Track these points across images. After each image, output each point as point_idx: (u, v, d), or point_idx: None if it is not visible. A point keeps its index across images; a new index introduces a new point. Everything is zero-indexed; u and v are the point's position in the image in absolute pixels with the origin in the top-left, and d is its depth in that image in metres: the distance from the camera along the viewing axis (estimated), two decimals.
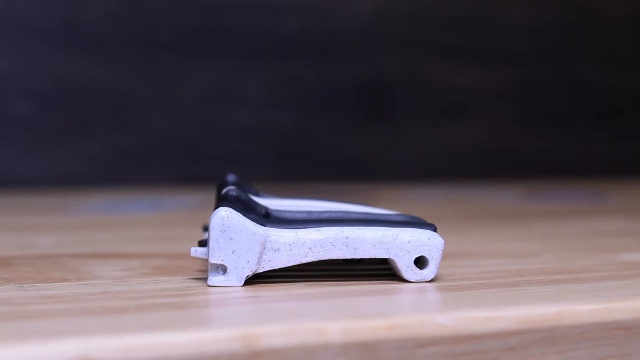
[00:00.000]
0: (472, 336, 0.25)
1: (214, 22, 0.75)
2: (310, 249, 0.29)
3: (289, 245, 0.29)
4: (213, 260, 0.29)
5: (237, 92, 0.76)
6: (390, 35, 0.82)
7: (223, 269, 0.29)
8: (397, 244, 0.30)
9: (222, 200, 0.31)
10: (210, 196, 0.66)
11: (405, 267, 0.30)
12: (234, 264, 0.29)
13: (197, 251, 0.30)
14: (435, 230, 0.31)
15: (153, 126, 0.73)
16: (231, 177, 0.37)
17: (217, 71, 0.75)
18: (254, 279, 0.31)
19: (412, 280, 0.30)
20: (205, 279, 0.31)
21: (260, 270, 0.29)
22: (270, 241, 0.29)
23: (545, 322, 0.26)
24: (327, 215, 0.31)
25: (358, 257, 0.30)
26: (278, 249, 0.29)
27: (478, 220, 0.51)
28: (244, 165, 0.77)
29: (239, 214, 0.29)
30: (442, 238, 0.36)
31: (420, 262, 0.31)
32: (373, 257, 0.30)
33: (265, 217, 0.31)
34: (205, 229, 0.36)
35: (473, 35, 0.85)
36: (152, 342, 0.22)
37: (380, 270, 0.33)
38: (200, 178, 0.75)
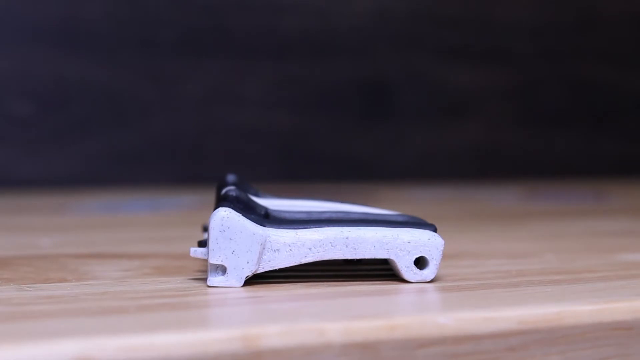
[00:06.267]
0: (472, 337, 0.25)
1: (214, 22, 0.75)
2: (310, 249, 0.29)
3: (289, 245, 0.29)
4: (213, 260, 0.29)
5: (237, 92, 0.76)
6: (390, 35, 0.82)
7: (223, 270, 0.29)
8: (397, 244, 0.30)
9: (222, 201, 0.30)
10: (210, 196, 0.66)
11: (406, 267, 0.30)
12: (234, 264, 0.29)
13: (197, 251, 0.30)
14: (435, 230, 0.31)
15: (153, 126, 0.73)
16: (231, 177, 0.37)
17: (217, 71, 0.75)
18: (254, 279, 0.31)
19: (412, 281, 0.30)
20: (205, 279, 0.31)
21: (260, 270, 0.29)
22: (270, 241, 0.29)
23: (546, 323, 0.26)
24: (327, 216, 0.31)
25: (358, 257, 0.30)
26: (278, 249, 0.29)
27: (478, 220, 0.51)
28: (244, 165, 0.77)
29: (238, 214, 0.29)
30: (442, 238, 0.36)
31: (421, 263, 0.31)
32: (373, 257, 0.30)
33: (265, 218, 0.31)
34: (205, 229, 0.36)
35: (473, 35, 0.85)
36: (152, 342, 0.22)
37: (380, 270, 0.33)
38: (200, 178, 0.75)
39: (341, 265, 0.34)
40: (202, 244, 0.31)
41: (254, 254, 0.29)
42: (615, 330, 0.27)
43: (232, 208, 0.29)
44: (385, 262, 0.35)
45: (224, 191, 0.31)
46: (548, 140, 0.89)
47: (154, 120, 0.73)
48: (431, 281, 0.31)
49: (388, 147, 0.82)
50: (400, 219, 0.31)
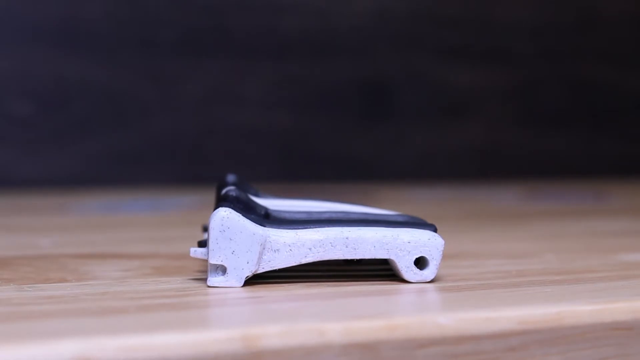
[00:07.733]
0: (472, 337, 0.25)
1: (214, 22, 0.75)
2: (310, 249, 0.29)
3: (289, 245, 0.29)
4: (213, 260, 0.29)
5: (237, 92, 0.76)
6: (390, 35, 0.82)
7: (223, 270, 0.29)
8: (397, 244, 0.30)
9: (222, 201, 0.30)
10: (210, 196, 0.66)
11: (406, 267, 0.30)
12: (234, 265, 0.29)
13: (197, 252, 0.30)
14: (435, 230, 0.31)
15: (153, 126, 0.73)
16: (231, 177, 0.37)
17: (217, 71, 0.75)
18: (254, 280, 0.31)
19: (412, 281, 0.30)
20: (205, 280, 0.31)
21: (260, 270, 0.29)
22: (270, 241, 0.29)
23: (546, 323, 0.26)
24: (327, 216, 0.31)
25: (358, 257, 0.30)
26: (278, 250, 0.29)
27: (478, 220, 0.51)
28: (244, 165, 0.77)
29: (238, 214, 0.29)
30: (442, 238, 0.36)
31: (421, 263, 0.31)
32: (373, 257, 0.30)
33: (265, 218, 0.31)
34: (205, 229, 0.36)
35: (473, 35, 0.85)
36: (152, 343, 0.22)
37: (380, 270, 0.33)
38: (200, 178, 0.75)
39: (341, 265, 0.34)
40: (202, 244, 0.31)
41: (254, 254, 0.29)
42: (615, 330, 0.27)
43: (232, 208, 0.29)
44: (385, 262, 0.35)
45: (224, 191, 0.31)
46: (548, 140, 0.89)
47: (154, 120, 0.73)
48: (431, 281, 0.31)
49: (388, 147, 0.82)
50: (400, 219, 0.31)
